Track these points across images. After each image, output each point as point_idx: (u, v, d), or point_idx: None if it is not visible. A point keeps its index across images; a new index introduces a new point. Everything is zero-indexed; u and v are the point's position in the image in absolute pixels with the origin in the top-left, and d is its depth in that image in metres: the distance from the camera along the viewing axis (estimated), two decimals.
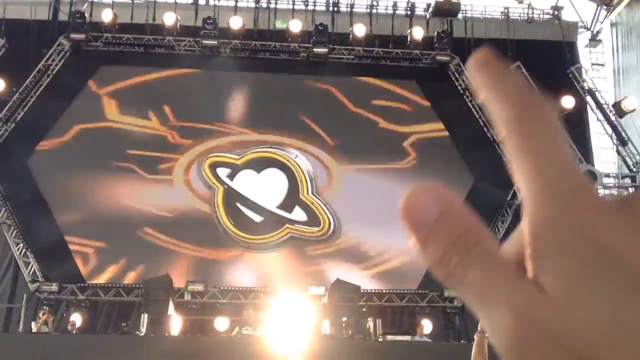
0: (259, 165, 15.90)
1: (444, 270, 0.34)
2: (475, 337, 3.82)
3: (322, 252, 15.24)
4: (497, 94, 0.36)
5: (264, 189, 15.72)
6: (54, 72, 15.79)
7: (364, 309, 14.13)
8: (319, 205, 15.68)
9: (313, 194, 15.77)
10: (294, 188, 15.78)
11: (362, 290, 13.96)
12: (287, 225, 15.48)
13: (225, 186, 15.69)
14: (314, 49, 16.27)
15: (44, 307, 13.51)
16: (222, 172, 15.85)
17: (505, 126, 0.35)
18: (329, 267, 14.63)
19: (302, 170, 15.89)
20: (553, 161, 0.34)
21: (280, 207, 15.64)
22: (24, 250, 14.61)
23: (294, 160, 15.94)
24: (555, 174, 0.34)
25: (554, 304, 0.32)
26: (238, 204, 15.55)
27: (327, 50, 16.32)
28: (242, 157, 15.93)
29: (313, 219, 15.59)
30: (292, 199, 15.70)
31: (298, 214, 15.61)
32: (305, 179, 15.85)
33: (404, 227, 0.35)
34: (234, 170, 15.87)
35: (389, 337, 12.08)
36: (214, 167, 15.85)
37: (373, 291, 14.97)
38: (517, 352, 0.32)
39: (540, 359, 0.31)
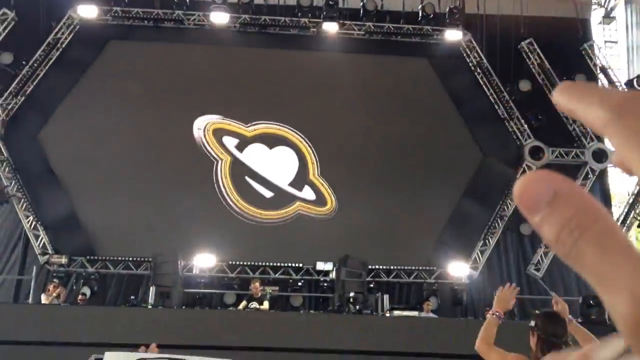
0: (271, 141, 15.87)
1: (561, 250, 0.35)
2: (486, 317, 3.81)
3: (327, 230, 15.24)
4: (591, 99, 0.37)
5: (276, 165, 15.71)
6: (63, 46, 15.77)
7: (372, 285, 14.19)
8: (325, 186, 15.67)
9: (319, 175, 15.75)
10: (304, 168, 15.77)
11: (369, 266, 14.00)
12: (297, 202, 15.51)
13: (233, 158, 15.67)
14: (324, 25, 16.14)
15: (54, 280, 13.62)
16: (230, 142, 15.81)
17: (607, 119, 0.36)
18: (335, 243, 14.62)
19: (311, 151, 15.85)
20: None
21: (291, 184, 15.65)
22: (34, 223, 14.73)
23: (304, 142, 15.89)
24: None
25: None
26: (247, 178, 15.56)
27: (337, 25, 16.18)
28: (251, 130, 15.87)
29: (320, 199, 15.60)
30: (302, 179, 15.70)
31: (308, 193, 15.62)
32: (314, 161, 15.82)
33: (521, 211, 0.37)
34: (243, 142, 15.83)
35: (396, 313, 12.13)
36: (219, 134, 15.81)
37: (381, 267, 15.01)
38: (637, 338, 0.32)
39: None
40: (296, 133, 15.95)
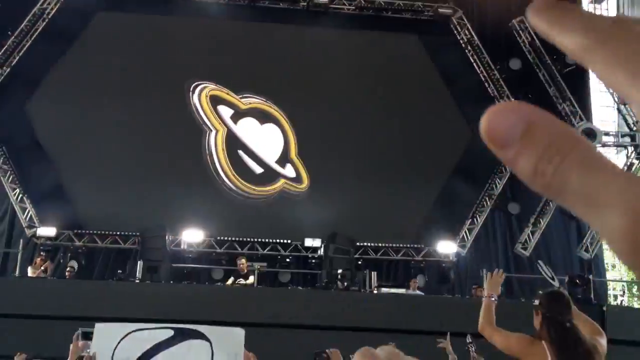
0: (262, 117, 15.78)
1: (541, 182, 0.33)
2: (483, 302, 3.86)
3: (316, 207, 15.23)
4: (571, 23, 0.35)
5: (265, 142, 15.64)
6: (49, 16, 15.52)
7: (360, 262, 14.25)
8: (302, 165, 15.64)
9: (297, 155, 15.69)
10: (287, 147, 15.71)
11: (358, 244, 14.04)
12: (281, 179, 15.48)
13: (228, 129, 15.55)
14: None
15: (41, 253, 13.56)
16: (225, 112, 15.68)
17: (589, 46, 0.34)
18: (324, 220, 14.63)
19: (292, 131, 15.78)
20: None
21: (277, 162, 15.61)
22: (21, 195, 14.61)
23: (287, 120, 15.80)
24: None
25: None
26: (240, 152, 15.47)
27: (327, 0, 16.02)
28: (246, 102, 15.75)
29: (299, 177, 15.57)
30: (285, 157, 15.65)
31: (289, 171, 15.59)
32: (294, 140, 15.74)
33: (490, 147, 0.34)
34: (237, 113, 15.72)
35: (384, 290, 12.21)
36: (215, 102, 15.67)
37: (369, 245, 15.05)
38: (636, 251, 0.31)
39: None
40: (281, 112, 15.84)
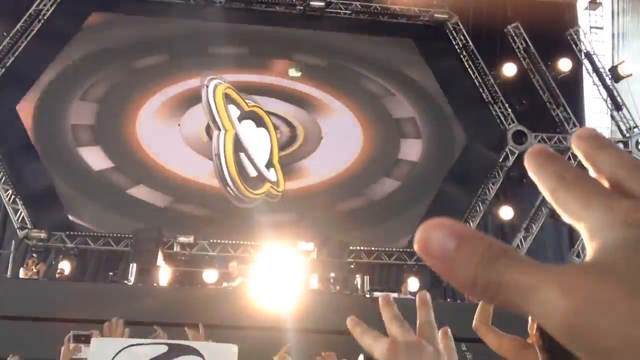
0: (257, 120, 15.76)
1: (479, 286, 0.36)
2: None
3: (309, 211, 15.23)
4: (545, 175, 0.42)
5: (259, 145, 15.61)
6: (45, 17, 15.48)
7: (352, 266, 14.24)
8: (280, 170, 15.62)
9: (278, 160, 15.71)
10: (272, 151, 15.68)
11: (350, 247, 14.03)
12: (267, 183, 15.44)
13: (235, 130, 15.46)
14: (311, 2, 16.00)
15: (33, 255, 13.50)
16: (234, 111, 15.56)
17: (556, 189, 0.41)
18: (317, 224, 14.64)
19: (276, 136, 15.75)
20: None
21: (266, 166, 15.59)
22: (13, 196, 14.55)
23: (272, 124, 15.78)
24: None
25: (617, 282, 0.34)
26: (241, 154, 15.43)
27: (324, 3, 16.05)
28: (249, 104, 15.71)
29: (278, 181, 15.55)
30: (270, 161, 15.62)
31: (272, 174, 15.56)
32: (277, 145, 15.72)
33: (427, 261, 0.38)
34: (242, 114, 15.66)
35: (376, 294, 12.18)
36: (227, 101, 15.58)
37: (362, 248, 15.04)
38: (570, 330, 0.34)
39: (591, 332, 0.33)
40: (269, 114, 15.79)
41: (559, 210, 0.40)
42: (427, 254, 0.38)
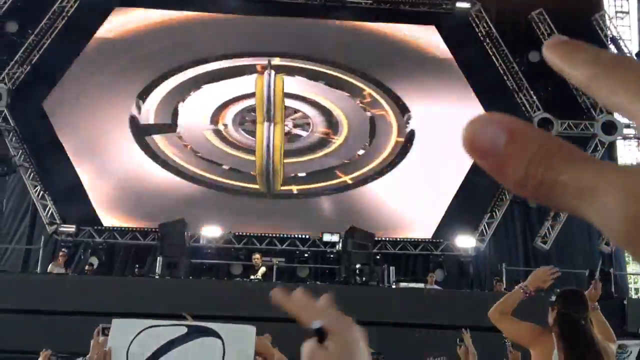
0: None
1: (532, 183, 0.34)
2: (515, 290, 3.72)
3: (334, 201, 15.22)
4: (577, 56, 0.37)
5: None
6: (68, 14, 15.63)
7: (378, 257, 14.20)
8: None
9: None
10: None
11: (376, 238, 13.99)
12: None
13: (283, 126, 15.59)
14: None
15: (63, 249, 13.63)
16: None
17: (595, 75, 0.36)
18: (342, 214, 14.63)
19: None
20: None
21: None
22: (42, 192, 14.74)
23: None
24: None
25: None
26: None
27: None
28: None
29: None
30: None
31: None
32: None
33: (473, 157, 0.36)
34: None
35: (402, 285, 12.17)
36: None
37: (387, 239, 14.99)
38: (633, 238, 0.32)
39: None
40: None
41: (602, 102, 0.36)
42: (474, 150, 0.36)
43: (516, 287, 3.70)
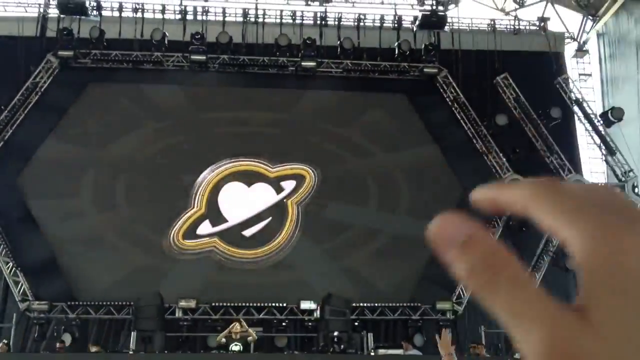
0: (247, 178, 15.93)
1: (475, 282, 0.38)
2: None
3: (311, 268, 15.20)
4: (509, 191, 0.42)
5: (251, 202, 15.78)
6: (42, 90, 15.75)
7: (356, 323, 14.10)
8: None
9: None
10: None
11: (353, 304, 13.92)
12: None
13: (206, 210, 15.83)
14: (302, 63, 16.31)
15: (62, 340, 13.22)
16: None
17: (527, 203, 0.40)
18: (319, 281, 14.58)
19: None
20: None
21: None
22: (14, 269, 14.52)
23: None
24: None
25: (602, 336, 0.34)
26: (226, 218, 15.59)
27: (315, 63, 16.36)
28: (229, 168, 15.99)
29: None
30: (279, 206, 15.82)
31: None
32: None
33: (435, 249, 0.39)
34: (219, 183, 15.98)
35: (381, 352, 12.06)
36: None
37: (365, 305, 14.92)
38: None
39: None
40: (268, 166, 15.95)
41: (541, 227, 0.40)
42: (436, 239, 0.40)
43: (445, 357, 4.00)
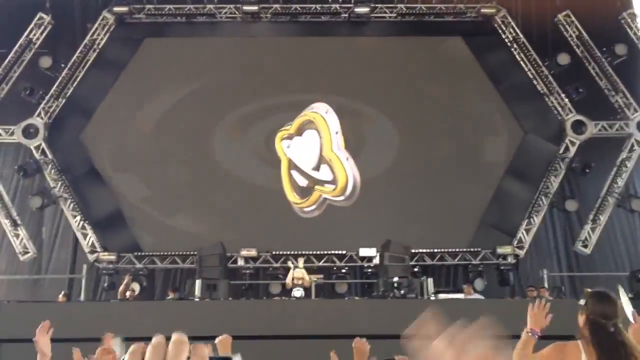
0: (302, 128, 15.88)
1: None
2: (522, 336, 3.56)
3: (369, 215, 15.20)
4: None
5: (305, 151, 15.72)
6: (99, 46, 15.99)
7: (416, 269, 14.12)
8: (339, 160, 15.60)
9: (338, 149, 15.64)
10: (321, 146, 15.74)
11: (413, 250, 13.92)
12: (317, 186, 15.49)
13: (286, 157, 15.76)
14: (356, 9, 16.03)
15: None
16: (285, 144, 15.88)
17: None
18: (375, 225, 14.59)
19: (327, 125, 15.78)
20: None
21: (314, 168, 15.65)
22: (82, 222, 15.04)
23: (322, 117, 15.82)
24: None
25: None
26: (292, 172, 15.62)
27: (369, 9, 16.05)
28: (292, 126, 15.89)
29: (334, 177, 15.57)
30: (320, 158, 15.68)
31: (324, 172, 15.59)
32: (329, 134, 15.73)
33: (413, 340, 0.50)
34: (290, 139, 15.89)
35: (441, 296, 12.05)
36: (281, 140, 15.89)
37: (424, 251, 14.91)
38: None
39: None
40: (317, 110, 15.84)
41: None
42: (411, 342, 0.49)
43: (523, 333, 3.53)
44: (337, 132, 15.70)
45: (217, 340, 4.22)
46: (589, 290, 3.54)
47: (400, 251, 13.09)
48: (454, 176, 15.33)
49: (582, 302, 3.42)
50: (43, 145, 15.30)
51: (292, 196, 15.44)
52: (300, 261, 12.99)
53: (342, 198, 15.47)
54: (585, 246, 15.09)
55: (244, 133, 15.70)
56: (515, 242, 15.07)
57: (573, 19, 15.81)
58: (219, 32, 16.41)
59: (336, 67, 16.07)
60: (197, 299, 11.74)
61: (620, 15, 15.90)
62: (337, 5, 16.21)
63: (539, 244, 15.44)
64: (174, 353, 0.73)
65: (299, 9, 16.30)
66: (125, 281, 12.57)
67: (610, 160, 15.31)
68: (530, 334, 3.46)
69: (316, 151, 15.72)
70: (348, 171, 15.50)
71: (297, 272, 12.27)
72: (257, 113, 15.76)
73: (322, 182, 15.53)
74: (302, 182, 15.56)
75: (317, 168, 15.65)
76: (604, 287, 3.68)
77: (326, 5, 16.24)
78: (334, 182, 15.54)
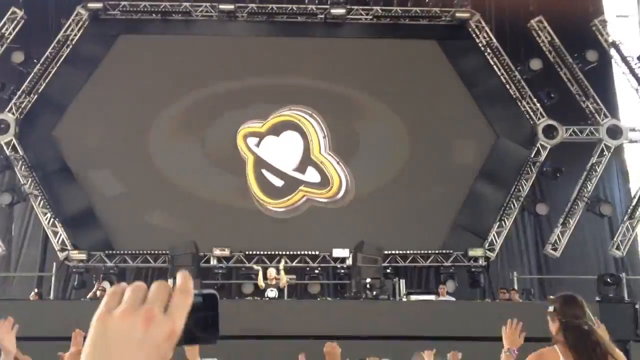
0: (278, 129, 15.87)
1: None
2: (502, 356, 3.67)
3: (342, 216, 15.26)
4: None
5: (283, 152, 15.71)
6: (73, 42, 15.81)
7: (388, 270, 14.21)
8: (330, 164, 15.64)
9: (326, 152, 15.69)
10: (308, 148, 15.76)
11: (385, 252, 14.00)
12: (301, 187, 15.49)
13: (254, 155, 15.70)
14: (332, 10, 16.08)
15: (101, 284, 13.57)
16: (251, 141, 15.83)
17: None
18: (350, 229, 14.65)
19: (314, 128, 15.81)
20: None
21: (296, 169, 15.65)
22: (52, 219, 14.86)
23: (306, 119, 15.85)
24: None
25: None
26: (263, 170, 15.59)
27: (344, 11, 16.11)
28: (264, 125, 15.87)
29: (324, 179, 15.60)
30: (305, 160, 15.69)
31: (311, 174, 15.61)
32: (317, 137, 15.76)
33: None
34: (260, 137, 15.84)
35: (413, 297, 12.16)
36: (245, 137, 15.83)
37: (397, 252, 15.00)
38: None
39: None
40: (299, 112, 15.86)
41: None
42: None
43: (502, 353, 3.65)
44: (324, 137, 15.73)
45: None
46: (554, 296, 3.61)
47: (373, 252, 13.15)
48: (427, 178, 15.47)
49: (550, 309, 3.48)
50: (14, 141, 15.08)
51: (260, 194, 15.39)
52: (281, 263, 12.96)
53: (333, 200, 15.49)
54: (555, 249, 15.31)
55: (212, 130, 15.64)
56: (487, 244, 15.24)
57: (546, 24, 16.03)
58: (195, 30, 16.33)
59: (311, 68, 16.09)
60: None
61: (592, 22, 16.16)
62: (314, 6, 16.24)
63: (510, 246, 15.65)
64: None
65: (275, 8, 16.28)
66: (95, 288, 12.50)
67: (581, 165, 15.55)
68: (508, 352, 3.58)
69: (298, 152, 15.70)
70: (341, 175, 15.54)
71: (272, 271, 12.22)
72: (228, 111, 15.72)
73: (308, 184, 15.52)
74: (278, 182, 15.54)
75: (301, 170, 15.62)
76: (572, 291, 3.76)
77: (302, 6, 16.26)
78: (323, 184, 15.54)
